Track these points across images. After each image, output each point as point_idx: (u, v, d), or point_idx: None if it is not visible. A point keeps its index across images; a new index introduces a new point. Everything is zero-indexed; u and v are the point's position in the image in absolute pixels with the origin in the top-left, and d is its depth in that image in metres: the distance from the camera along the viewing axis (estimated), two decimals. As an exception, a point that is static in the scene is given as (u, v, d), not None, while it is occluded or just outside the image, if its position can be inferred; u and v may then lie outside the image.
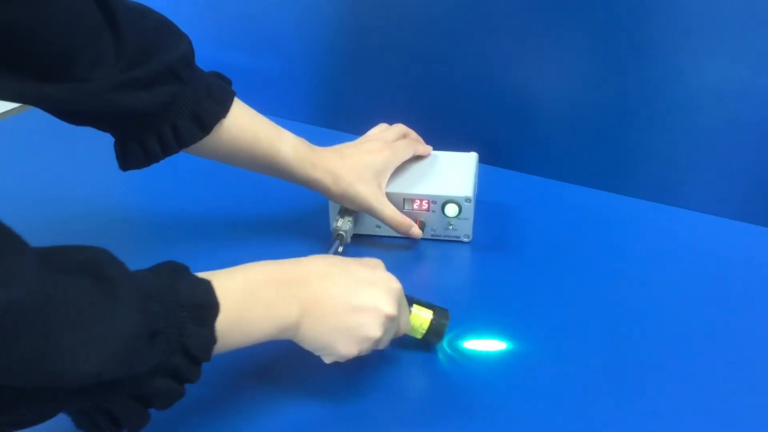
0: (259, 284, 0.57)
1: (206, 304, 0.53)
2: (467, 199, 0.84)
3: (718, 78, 0.88)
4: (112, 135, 0.74)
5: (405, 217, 0.84)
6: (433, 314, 0.68)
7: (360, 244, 0.88)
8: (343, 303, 0.60)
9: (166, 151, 0.74)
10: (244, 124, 0.78)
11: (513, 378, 0.69)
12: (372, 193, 0.82)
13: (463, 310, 0.78)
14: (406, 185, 0.87)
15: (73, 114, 0.68)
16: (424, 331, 0.68)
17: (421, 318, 0.68)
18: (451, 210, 0.85)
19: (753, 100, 0.87)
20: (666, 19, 0.88)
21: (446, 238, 0.88)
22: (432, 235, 0.88)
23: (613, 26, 0.91)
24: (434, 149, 0.96)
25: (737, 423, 0.64)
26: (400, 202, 0.86)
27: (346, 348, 0.60)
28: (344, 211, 0.86)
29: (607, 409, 0.65)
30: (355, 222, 0.86)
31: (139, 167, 0.75)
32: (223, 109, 0.75)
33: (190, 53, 0.73)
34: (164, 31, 0.71)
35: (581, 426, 0.64)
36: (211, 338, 0.52)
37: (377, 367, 0.69)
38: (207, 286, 0.53)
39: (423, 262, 0.86)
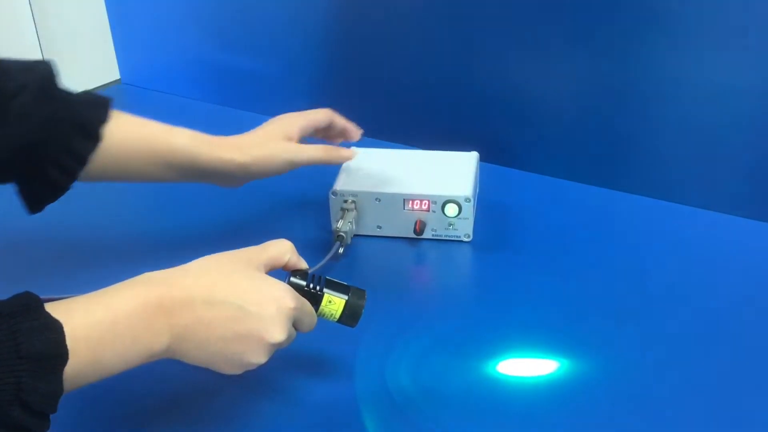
0: (123, 316, 0.52)
1: (50, 354, 0.47)
2: (467, 199, 0.85)
3: (718, 75, 0.88)
4: (11, 179, 0.72)
5: (329, 146, 0.83)
6: (348, 298, 0.63)
7: (361, 245, 0.88)
8: (222, 330, 0.55)
9: (68, 173, 0.72)
10: (132, 126, 0.76)
11: (516, 376, 0.69)
12: (284, 146, 0.80)
13: (463, 310, 0.79)
14: (405, 185, 0.87)
15: None
16: (337, 317, 0.64)
17: (335, 303, 0.63)
18: (451, 210, 0.85)
19: (752, 96, 0.87)
20: (665, 16, 0.88)
21: (447, 238, 0.88)
22: (432, 235, 0.88)
23: (612, 24, 0.91)
24: (435, 148, 0.96)
25: (740, 418, 0.64)
26: (400, 202, 0.86)
27: (230, 371, 0.57)
28: (345, 212, 0.86)
29: (609, 406, 0.65)
30: (356, 223, 0.87)
31: (49, 202, 0.74)
32: (105, 112, 0.73)
33: (53, 74, 0.71)
34: (15, 65, 0.70)
35: (583, 423, 0.64)
36: (56, 389, 0.48)
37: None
38: (55, 331, 0.48)
39: (423, 261, 0.87)
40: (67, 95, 0.72)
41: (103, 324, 0.51)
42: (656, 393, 0.67)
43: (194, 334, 0.55)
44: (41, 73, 0.70)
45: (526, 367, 0.71)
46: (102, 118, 0.73)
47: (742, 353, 0.71)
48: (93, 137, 0.72)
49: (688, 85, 0.90)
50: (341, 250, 0.83)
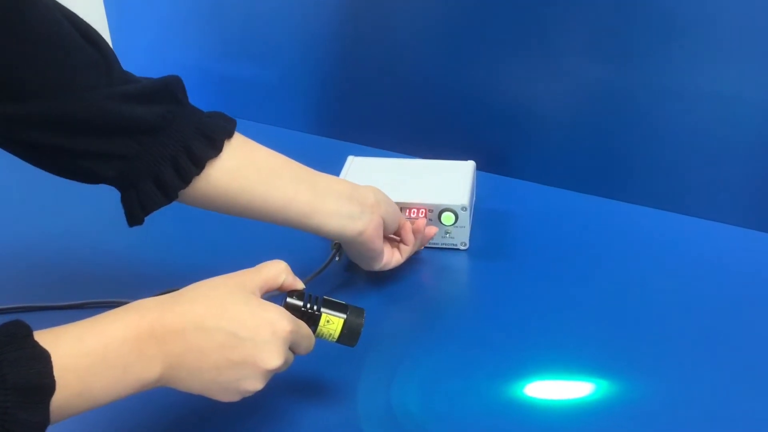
0: (115, 344, 0.51)
1: (36, 384, 0.47)
2: (463, 208, 0.85)
3: (714, 83, 0.88)
4: (119, 177, 0.66)
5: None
6: (346, 317, 0.63)
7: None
8: (216, 358, 0.54)
9: (182, 176, 0.66)
10: (261, 148, 0.73)
11: (511, 384, 0.70)
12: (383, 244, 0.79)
13: (461, 315, 0.80)
14: (402, 194, 0.87)
15: (70, 131, 0.62)
16: (336, 337, 0.63)
17: (333, 323, 0.62)
18: (448, 218, 0.86)
19: (748, 104, 0.87)
20: (662, 24, 0.88)
21: (443, 246, 0.88)
22: (429, 243, 0.88)
23: (608, 32, 0.92)
24: (432, 158, 0.96)
25: (741, 426, 0.64)
26: (397, 210, 0.86)
27: (227, 399, 0.56)
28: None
29: (607, 416, 0.66)
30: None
31: (154, 208, 0.68)
32: (231, 125, 0.70)
33: (181, 82, 0.69)
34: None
35: (585, 425, 0.65)
36: (42, 420, 0.47)
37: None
38: (42, 361, 0.48)
39: (419, 269, 0.87)
40: (192, 106, 0.69)
41: (92, 353, 0.51)
42: (657, 401, 0.67)
43: (187, 362, 0.54)
44: (167, 77, 0.68)
45: (529, 385, 0.70)
46: (229, 128, 0.70)
47: (743, 363, 0.71)
48: (214, 145, 0.68)
49: (686, 94, 0.90)
50: (338, 258, 0.84)
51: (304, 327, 0.60)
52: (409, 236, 0.82)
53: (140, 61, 1.35)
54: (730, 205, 0.93)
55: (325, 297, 0.63)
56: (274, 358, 0.56)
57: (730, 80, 0.87)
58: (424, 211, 0.86)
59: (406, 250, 0.82)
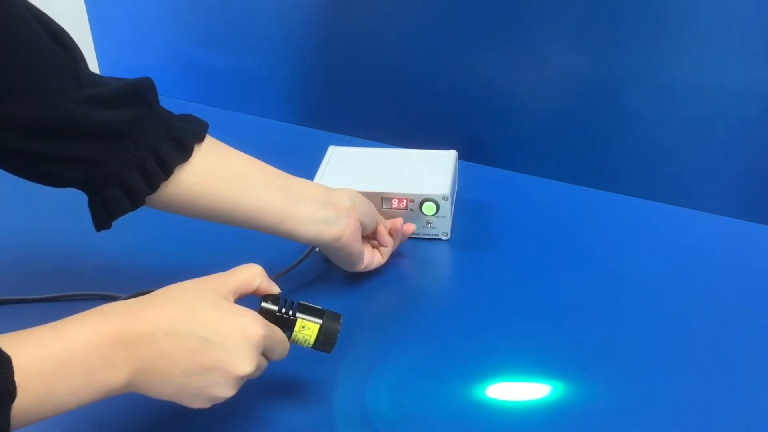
0: (79, 348, 0.50)
1: None
2: (444, 197, 0.85)
3: (698, 74, 0.88)
4: (85, 181, 0.65)
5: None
6: (322, 322, 0.61)
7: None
8: (186, 363, 0.53)
9: (150, 181, 0.65)
10: (234, 152, 0.71)
11: (494, 375, 0.69)
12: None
13: (441, 309, 0.79)
14: (383, 184, 0.87)
15: (37, 135, 0.61)
16: (312, 343, 0.62)
17: (309, 329, 0.61)
18: (429, 208, 0.85)
19: (732, 95, 0.87)
20: (651, 13, 0.88)
21: (425, 236, 0.88)
22: (410, 233, 0.88)
23: (592, 23, 0.92)
24: (414, 147, 0.96)
25: (731, 423, 0.64)
26: (378, 200, 0.86)
27: (197, 405, 0.55)
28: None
29: (591, 408, 0.65)
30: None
31: (120, 214, 0.66)
32: (202, 129, 0.68)
33: (152, 84, 0.67)
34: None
35: (568, 426, 0.64)
36: (3, 427, 0.47)
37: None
38: (3, 366, 0.47)
39: (401, 260, 0.86)
40: (162, 108, 0.67)
41: (57, 358, 0.49)
42: (640, 392, 0.67)
43: (156, 367, 0.53)
44: (137, 80, 0.66)
45: (510, 384, 0.69)
46: (200, 133, 0.68)
47: (731, 356, 0.70)
48: (184, 150, 0.66)
49: (670, 84, 0.90)
50: (318, 249, 0.83)
51: (277, 332, 0.59)
52: (386, 239, 0.81)
53: (120, 52, 1.34)
54: (715, 195, 0.93)
55: (301, 302, 0.62)
56: (245, 364, 0.55)
57: (714, 71, 0.87)
58: (405, 201, 0.85)
59: (387, 252, 0.82)
